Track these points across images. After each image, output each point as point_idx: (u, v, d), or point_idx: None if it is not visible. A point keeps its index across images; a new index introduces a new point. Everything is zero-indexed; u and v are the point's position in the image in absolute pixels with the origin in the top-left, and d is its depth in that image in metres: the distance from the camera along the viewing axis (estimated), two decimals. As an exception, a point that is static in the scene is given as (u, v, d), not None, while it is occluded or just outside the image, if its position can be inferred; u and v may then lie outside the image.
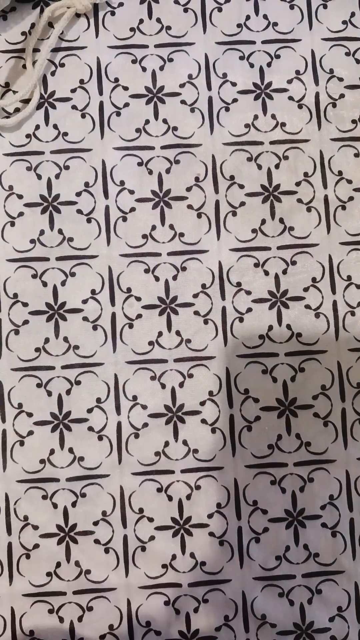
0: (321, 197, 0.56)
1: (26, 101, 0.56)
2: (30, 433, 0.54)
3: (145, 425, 0.54)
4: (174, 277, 0.55)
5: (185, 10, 0.57)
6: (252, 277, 0.55)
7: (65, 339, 0.54)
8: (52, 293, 0.55)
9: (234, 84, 0.57)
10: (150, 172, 0.56)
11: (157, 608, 0.53)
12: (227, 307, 0.55)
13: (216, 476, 0.54)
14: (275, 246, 0.56)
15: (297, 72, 0.57)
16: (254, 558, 0.53)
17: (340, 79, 0.57)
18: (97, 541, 0.53)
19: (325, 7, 0.58)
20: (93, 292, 0.55)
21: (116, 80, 0.57)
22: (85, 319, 0.55)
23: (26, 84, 0.55)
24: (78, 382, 0.54)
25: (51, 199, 0.56)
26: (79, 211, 0.56)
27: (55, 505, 0.53)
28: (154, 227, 0.55)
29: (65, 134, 0.56)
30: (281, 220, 0.56)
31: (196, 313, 0.55)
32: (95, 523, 0.53)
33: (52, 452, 0.53)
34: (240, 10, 0.58)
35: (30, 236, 0.55)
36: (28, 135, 0.56)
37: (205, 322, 0.55)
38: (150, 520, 0.53)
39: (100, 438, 0.54)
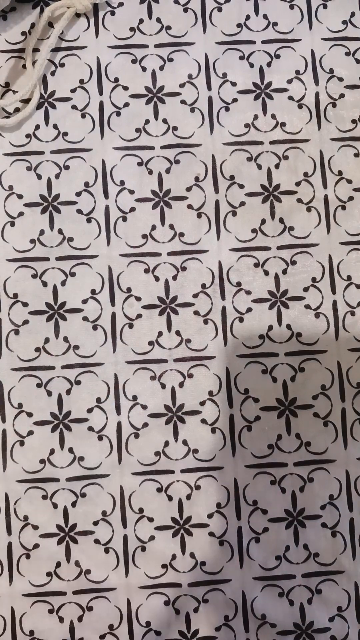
0: (321, 197, 0.56)
1: (26, 101, 0.56)
2: (30, 433, 0.54)
3: (145, 425, 0.54)
4: (174, 277, 0.55)
5: (185, 10, 0.57)
6: (252, 277, 0.55)
7: (65, 339, 0.54)
8: (52, 293, 0.55)
9: (234, 84, 0.57)
10: (150, 172, 0.56)
11: (157, 608, 0.53)
12: (227, 307, 0.55)
13: (216, 476, 0.54)
14: (275, 246, 0.56)
15: (297, 72, 0.57)
16: (254, 558, 0.53)
17: (340, 79, 0.57)
18: (97, 541, 0.53)
19: (325, 7, 0.58)
20: (93, 292, 0.55)
21: (116, 80, 0.57)
22: (85, 319, 0.55)
23: (26, 84, 0.55)
24: (78, 382, 0.54)
25: (51, 199, 0.56)
26: (79, 211, 0.56)
27: (55, 505, 0.53)
28: (154, 227, 0.55)
29: (65, 133, 0.56)
30: (281, 220, 0.56)
31: (196, 313, 0.55)
32: (95, 523, 0.53)
33: (52, 452, 0.53)
34: (240, 10, 0.58)
35: (30, 236, 0.55)
36: (28, 135, 0.56)
37: (205, 322, 0.55)
38: (150, 520, 0.53)
39: (100, 438, 0.54)
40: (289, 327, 0.55)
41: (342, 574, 0.53)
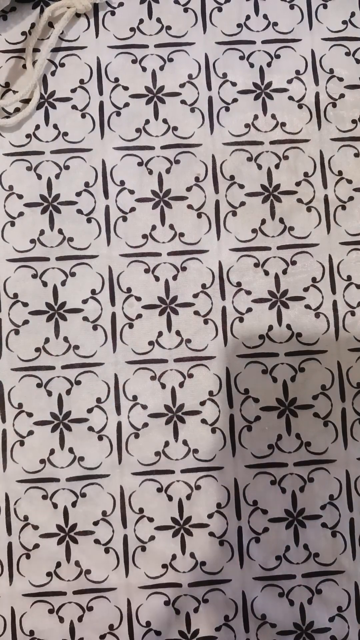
0: (321, 197, 0.56)
1: (26, 101, 0.56)
2: (30, 433, 0.54)
3: (145, 425, 0.54)
4: (174, 277, 0.55)
5: (185, 10, 0.57)
6: (252, 277, 0.55)
7: (65, 339, 0.54)
8: (52, 293, 0.55)
9: (234, 84, 0.57)
10: (150, 172, 0.56)
11: (157, 608, 0.53)
12: (227, 307, 0.55)
13: (216, 476, 0.54)
14: (275, 246, 0.56)
15: (297, 72, 0.57)
16: (254, 558, 0.53)
17: (340, 79, 0.57)
18: (97, 541, 0.53)
19: (325, 7, 0.58)
20: (93, 292, 0.55)
21: (116, 80, 0.57)
22: (85, 319, 0.55)
23: (26, 84, 0.55)
24: (78, 382, 0.54)
25: (51, 199, 0.56)
26: (79, 211, 0.56)
27: (55, 505, 0.53)
28: (154, 227, 0.55)
29: (65, 133, 0.56)
30: (281, 220, 0.56)
31: (196, 313, 0.55)
32: (95, 523, 0.53)
33: (52, 452, 0.53)
34: (240, 10, 0.58)
35: (30, 236, 0.55)
36: (28, 135, 0.56)
37: (205, 322, 0.55)
38: (150, 520, 0.53)
39: (100, 438, 0.54)
40: (289, 327, 0.55)
41: (342, 574, 0.53)
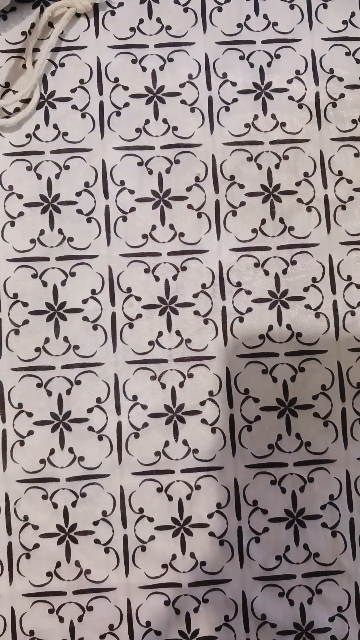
0: (321, 197, 0.56)
1: (26, 101, 0.56)
2: (30, 433, 0.54)
3: (145, 425, 0.54)
4: (174, 277, 0.55)
5: (185, 10, 0.57)
6: (252, 277, 0.55)
7: (65, 339, 0.54)
8: (52, 293, 0.55)
9: (234, 84, 0.57)
10: (150, 172, 0.56)
11: (157, 608, 0.53)
12: (227, 307, 0.55)
13: (216, 476, 0.54)
14: (275, 246, 0.56)
15: (297, 72, 0.57)
16: (254, 558, 0.53)
17: (340, 79, 0.57)
18: (97, 541, 0.53)
19: (325, 7, 0.58)
20: (93, 292, 0.55)
21: (116, 80, 0.57)
22: (85, 318, 0.55)
23: (26, 83, 0.55)
24: (78, 382, 0.54)
25: (51, 198, 0.56)
26: (79, 211, 0.56)
27: (55, 505, 0.53)
28: (154, 227, 0.55)
29: (65, 133, 0.56)
30: (281, 220, 0.56)
31: (196, 313, 0.55)
32: (95, 523, 0.53)
33: (52, 452, 0.53)
34: (240, 10, 0.58)
35: (30, 236, 0.55)
36: (28, 135, 0.56)
37: (205, 322, 0.55)
38: (150, 520, 0.53)
39: (100, 438, 0.54)
40: (289, 327, 0.55)
41: (342, 574, 0.53)
